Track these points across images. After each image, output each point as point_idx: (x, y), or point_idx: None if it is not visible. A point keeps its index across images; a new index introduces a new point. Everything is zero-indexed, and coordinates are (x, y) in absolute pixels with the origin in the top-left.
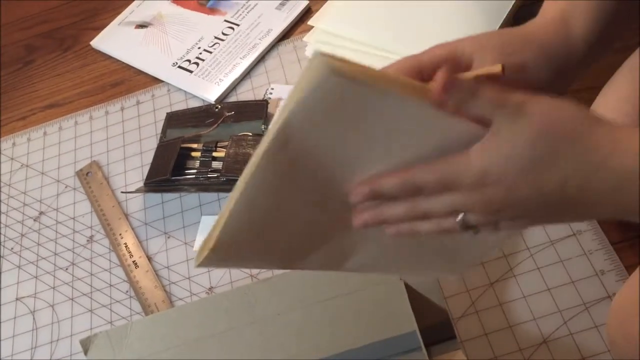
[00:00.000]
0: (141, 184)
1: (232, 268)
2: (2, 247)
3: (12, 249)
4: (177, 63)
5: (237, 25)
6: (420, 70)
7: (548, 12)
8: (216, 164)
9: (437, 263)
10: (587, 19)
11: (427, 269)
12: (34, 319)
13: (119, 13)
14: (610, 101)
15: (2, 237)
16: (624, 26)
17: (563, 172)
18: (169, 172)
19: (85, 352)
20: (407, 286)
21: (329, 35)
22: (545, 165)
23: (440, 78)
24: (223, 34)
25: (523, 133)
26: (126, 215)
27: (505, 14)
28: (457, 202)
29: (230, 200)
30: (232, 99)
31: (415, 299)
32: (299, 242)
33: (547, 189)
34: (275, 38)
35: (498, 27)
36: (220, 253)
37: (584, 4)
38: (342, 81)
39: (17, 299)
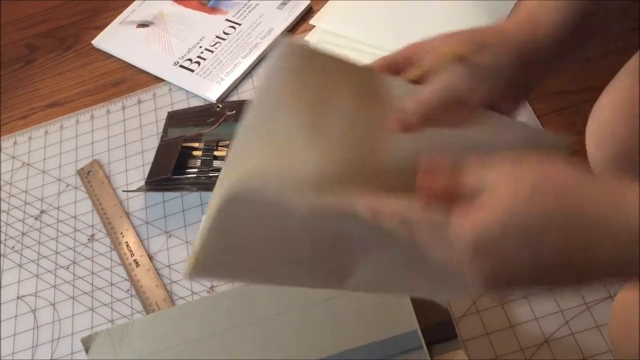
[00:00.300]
0: (142, 183)
1: (224, 281)
2: (3, 246)
3: (13, 247)
4: (178, 62)
5: (239, 24)
6: (395, 67)
7: (518, 12)
8: (217, 163)
9: (444, 285)
10: (554, 18)
11: (434, 291)
12: (34, 317)
13: (120, 12)
14: (612, 102)
15: (3, 235)
16: (600, 30)
17: (563, 231)
18: (170, 171)
19: (87, 350)
20: None
21: (330, 34)
22: (544, 223)
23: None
24: (224, 33)
25: (518, 192)
26: (127, 214)
27: (506, 15)
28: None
29: (210, 209)
30: (234, 98)
31: (417, 298)
32: (287, 261)
33: (546, 251)
34: (277, 37)
35: None
36: (203, 268)
37: (551, 3)
38: None
39: (18, 298)
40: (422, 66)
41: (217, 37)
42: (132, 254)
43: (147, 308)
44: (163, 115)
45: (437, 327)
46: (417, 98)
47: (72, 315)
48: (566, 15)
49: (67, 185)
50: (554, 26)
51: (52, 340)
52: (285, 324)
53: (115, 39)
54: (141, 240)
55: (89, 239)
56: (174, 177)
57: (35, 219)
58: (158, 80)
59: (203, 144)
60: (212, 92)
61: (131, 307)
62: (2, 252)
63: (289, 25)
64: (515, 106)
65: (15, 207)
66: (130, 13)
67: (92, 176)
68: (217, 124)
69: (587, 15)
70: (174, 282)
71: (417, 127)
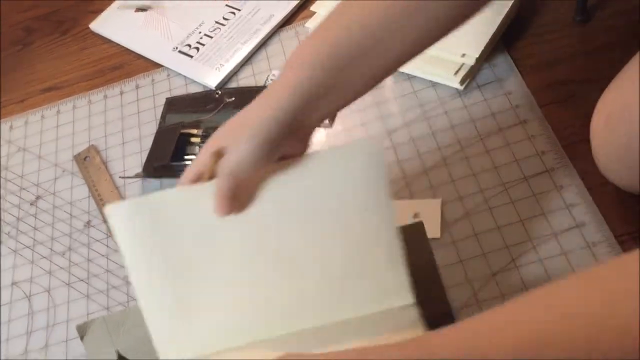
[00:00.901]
0: (140, 170)
1: None
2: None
3: (8, 233)
4: (177, 47)
5: (239, 10)
6: (199, 178)
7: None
8: None
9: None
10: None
11: None
12: (29, 303)
13: None
14: (616, 99)
15: (0, 222)
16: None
17: None
18: (168, 157)
19: (82, 337)
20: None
21: None
22: None
23: None
24: (224, 18)
25: None
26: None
27: (504, 15)
28: None
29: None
30: (233, 84)
31: (417, 289)
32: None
33: None
34: (277, 24)
35: (497, 25)
36: None
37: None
38: None
39: (13, 284)
40: (205, 173)
41: (217, 22)
42: None
43: None
44: (161, 101)
45: (437, 319)
46: (215, 195)
47: (68, 302)
48: (298, 90)
49: (63, 171)
50: (286, 101)
51: (47, 327)
52: None
53: (113, 24)
54: None
55: (85, 226)
56: (172, 163)
57: (31, 204)
58: (156, 65)
59: (202, 130)
60: (211, 79)
61: (127, 295)
62: None
63: (290, 12)
64: (303, 146)
65: (11, 193)
66: None
67: (88, 162)
68: (216, 110)
69: (332, 81)
70: None
71: (232, 209)
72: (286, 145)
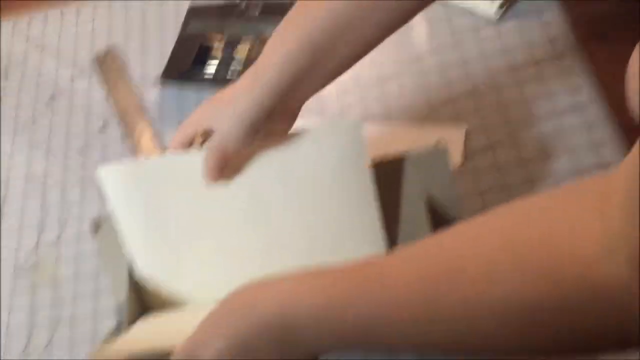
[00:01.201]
0: (159, 75)
1: None
2: (14, 126)
3: (24, 128)
4: None
5: None
6: (188, 143)
7: (248, 72)
8: (238, 59)
9: None
10: (273, 76)
11: None
12: (42, 197)
13: None
14: None
15: (15, 117)
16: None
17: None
18: (188, 65)
19: (95, 232)
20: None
21: None
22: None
23: None
24: None
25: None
26: (142, 106)
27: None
28: None
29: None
30: None
31: (435, 216)
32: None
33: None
34: None
35: None
36: None
37: (274, 59)
38: None
39: (26, 179)
40: (196, 140)
41: None
42: (145, 146)
43: None
44: (184, 8)
45: None
46: (203, 167)
47: (81, 200)
48: (283, 72)
49: (81, 71)
50: (271, 83)
51: (59, 221)
52: None
53: None
54: (154, 133)
55: (101, 128)
56: (192, 71)
57: (48, 102)
58: None
59: (224, 40)
60: None
61: None
62: (13, 132)
63: None
64: (289, 122)
65: (28, 89)
66: None
67: (107, 64)
68: (240, 21)
69: (314, 61)
70: None
71: (220, 178)
72: (273, 122)
